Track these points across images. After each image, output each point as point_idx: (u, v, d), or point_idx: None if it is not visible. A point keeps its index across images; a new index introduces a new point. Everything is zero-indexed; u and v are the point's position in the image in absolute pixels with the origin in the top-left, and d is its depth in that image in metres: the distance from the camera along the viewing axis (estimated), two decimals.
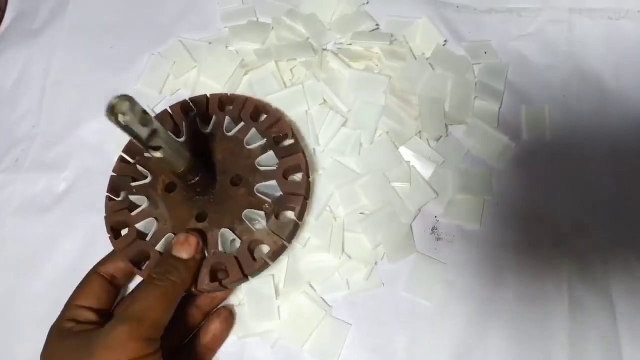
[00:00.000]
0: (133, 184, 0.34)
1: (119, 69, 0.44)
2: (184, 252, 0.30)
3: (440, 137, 0.38)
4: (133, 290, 0.34)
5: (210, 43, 0.43)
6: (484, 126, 0.39)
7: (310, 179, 0.34)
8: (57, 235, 0.39)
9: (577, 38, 0.41)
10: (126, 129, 0.23)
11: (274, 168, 0.33)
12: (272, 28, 0.43)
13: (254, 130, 0.34)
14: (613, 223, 0.36)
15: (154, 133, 0.24)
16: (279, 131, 0.35)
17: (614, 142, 0.38)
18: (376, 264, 0.35)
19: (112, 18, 0.46)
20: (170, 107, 0.36)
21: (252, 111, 0.35)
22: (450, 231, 0.36)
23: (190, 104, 0.37)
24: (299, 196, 0.32)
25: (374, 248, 0.35)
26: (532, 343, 0.33)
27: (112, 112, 0.22)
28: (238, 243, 0.32)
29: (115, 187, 0.35)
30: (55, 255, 0.39)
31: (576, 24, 0.41)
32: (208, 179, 0.32)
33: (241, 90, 0.41)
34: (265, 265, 0.31)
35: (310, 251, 0.35)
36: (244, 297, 0.34)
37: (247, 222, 0.32)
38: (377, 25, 0.43)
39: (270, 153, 0.33)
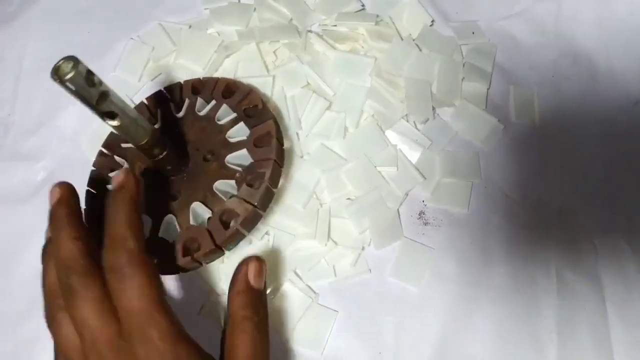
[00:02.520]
0: (110, 174, 0.34)
1: (96, 54, 0.42)
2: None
3: (428, 119, 0.37)
4: None
5: (190, 26, 0.42)
6: (472, 108, 0.38)
7: (285, 147, 0.34)
8: (37, 227, 0.38)
9: (566, 16, 0.40)
10: (74, 91, 0.23)
11: (245, 138, 0.32)
12: (254, 9, 0.42)
13: (225, 106, 0.34)
14: (602, 206, 0.35)
15: (103, 95, 0.24)
16: (249, 103, 0.34)
17: (604, 123, 0.38)
18: (363, 249, 0.35)
19: (88, 2, 0.45)
20: (147, 99, 0.36)
21: (224, 89, 0.35)
22: (438, 215, 0.35)
23: (165, 92, 0.36)
24: (269, 160, 0.31)
25: (360, 233, 0.34)
26: (520, 327, 0.33)
27: (57, 73, 0.22)
28: None
29: (94, 180, 0.34)
30: (35, 247, 0.38)
31: (565, 2, 0.40)
32: (178, 156, 0.32)
33: (220, 73, 0.40)
34: (238, 235, 0.30)
35: (295, 238, 0.34)
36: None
37: (218, 193, 0.31)
38: (363, 5, 0.42)
39: (241, 125, 0.33)
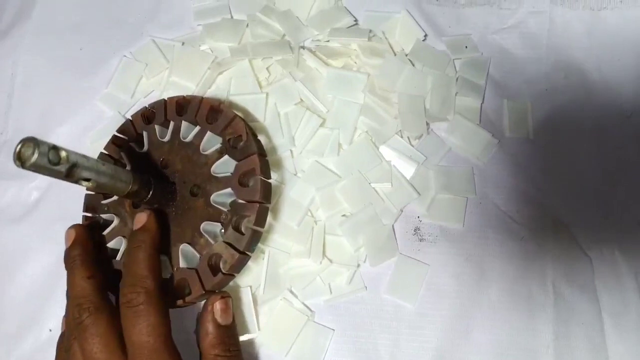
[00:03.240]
0: (103, 202, 0.33)
1: (89, 71, 0.42)
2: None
3: (421, 135, 0.37)
4: None
5: (183, 43, 0.42)
6: (465, 123, 0.38)
7: (274, 181, 0.33)
8: (30, 247, 0.38)
9: (558, 29, 0.40)
10: (40, 171, 0.22)
11: (230, 174, 0.31)
12: (247, 25, 0.42)
13: (209, 134, 0.32)
14: (597, 218, 0.35)
15: (73, 167, 0.23)
16: (233, 132, 0.32)
17: (598, 136, 0.38)
18: (358, 266, 0.34)
19: (81, 18, 0.45)
20: (132, 116, 0.36)
21: (208, 112, 0.34)
22: (433, 231, 0.35)
23: (152, 109, 0.35)
24: (254, 204, 0.30)
25: (355, 251, 0.34)
26: (516, 342, 0.33)
27: (19, 159, 0.21)
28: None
29: (89, 205, 0.34)
30: (28, 268, 0.38)
31: (557, 15, 0.41)
32: (164, 193, 0.31)
33: (213, 90, 0.40)
34: (228, 278, 0.30)
35: (290, 256, 0.34)
36: None
37: (205, 235, 0.30)
38: (356, 20, 0.42)
39: (226, 158, 0.31)
